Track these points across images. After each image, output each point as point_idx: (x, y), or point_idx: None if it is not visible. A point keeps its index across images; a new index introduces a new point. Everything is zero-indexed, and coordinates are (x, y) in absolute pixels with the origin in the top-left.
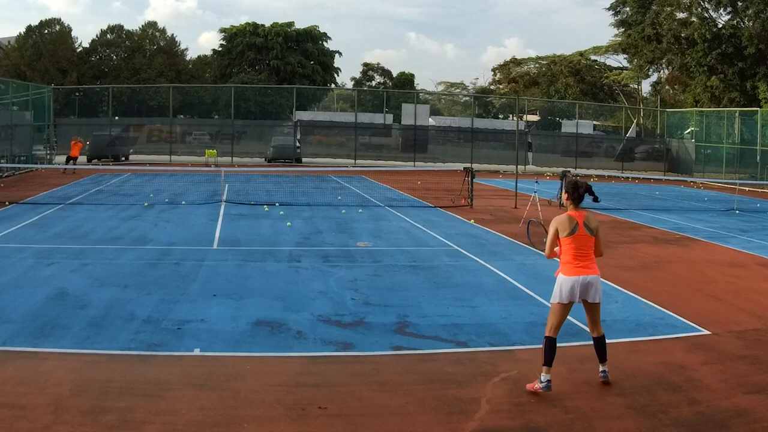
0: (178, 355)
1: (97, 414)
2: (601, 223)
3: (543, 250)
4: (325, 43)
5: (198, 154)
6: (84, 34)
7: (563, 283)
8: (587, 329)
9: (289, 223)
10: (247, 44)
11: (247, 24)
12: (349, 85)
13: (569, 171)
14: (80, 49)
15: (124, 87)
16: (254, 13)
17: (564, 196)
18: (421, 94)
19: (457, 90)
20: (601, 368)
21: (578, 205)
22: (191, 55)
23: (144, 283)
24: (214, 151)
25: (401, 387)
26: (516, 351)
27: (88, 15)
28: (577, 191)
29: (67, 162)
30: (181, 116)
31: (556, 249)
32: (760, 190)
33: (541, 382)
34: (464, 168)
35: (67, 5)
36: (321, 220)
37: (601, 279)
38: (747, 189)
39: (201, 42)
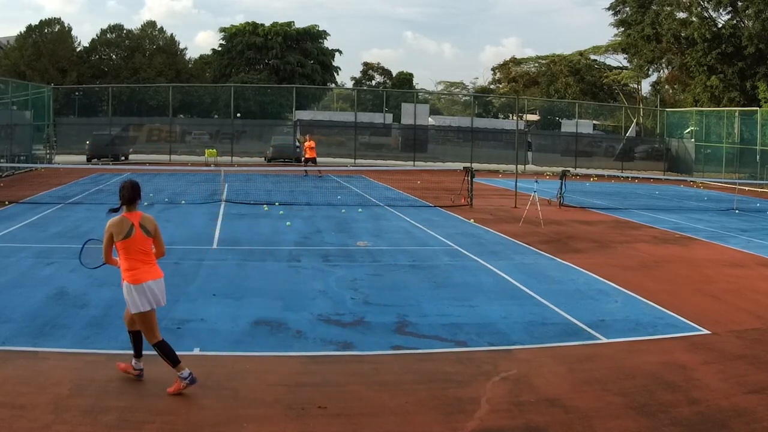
0: (178, 354)
1: (97, 413)
2: (600, 223)
3: (95, 265)
4: (324, 41)
5: (198, 153)
6: (80, 33)
7: (137, 291)
8: (588, 329)
9: (288, 223)
10: (247, 44)
11: (247, 23)
12: (349, 84)
13: (569, 170)
14: (80, 48)
15: (123, 86)
16: (251, 13)
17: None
18: (420, 93)
19: (457, 90)
20: (138, 364)
21: (132, 206)
22: (188, 54)
23: None
24: (214, 150)
25: (401, 386)
26: (515, 350)
27: (84, 14)
28: (131, 191)
29: (305, 164)
30: (181, 116)
31: (116, 257)
32: (759, 189)
33: (184, 378)
34: (464, 167)
35: (62, 4)
36: (321, 220)
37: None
38: (747, 189)
39: (198, 41)
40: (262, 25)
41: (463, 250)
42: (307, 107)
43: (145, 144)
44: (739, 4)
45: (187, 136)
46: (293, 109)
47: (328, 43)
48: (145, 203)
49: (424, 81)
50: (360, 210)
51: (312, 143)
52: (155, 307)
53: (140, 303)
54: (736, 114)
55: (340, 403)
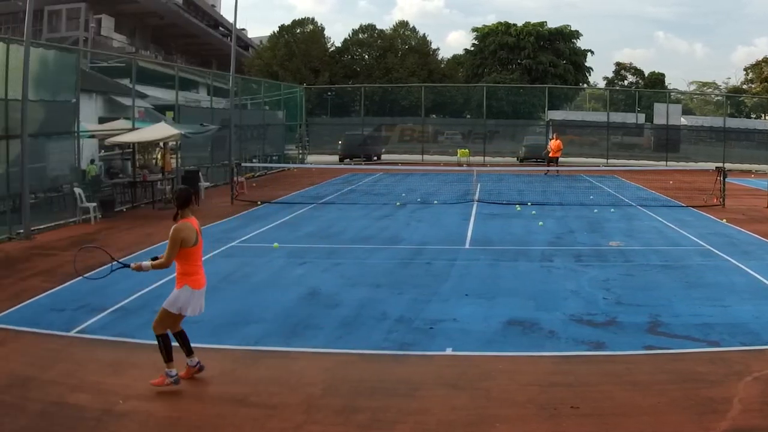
0: (430, 354)
1: (349, 413)
2: None
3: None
4: (576, 41)
5: (450, 153)
6: (330, 33)
7: (194, 295)
8: None
9: (541, 223)
10: (499, 43)
11: (499, 23)
12: (601, 84)
13: None
14: (332, 48)
15: (376, 87)
16: (502, 12)
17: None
18: (672, 93)
19: (709, 90)
20: (192, 361)
21: (186, 210)
22: (440, 54)
23: (396, 283)
24: (467, 150)
25: (653, 386)
26: None
27: (334, 14)
28: (187, 193)
29: (548, 163)
30: (433, 116)
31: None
32: None
33: (171, 376)
34: (716, 167)
35: (313, 4)
36: (573, 220)
37: None
38: None
39: (449, 41)
40: (515, 25)
41: (715, 250)
42: (560, 107)
43: (397, 144)
44: None
45: (439, 136)
46: (545, 109)
47: (580, 43)
48: (397, 203)
49: (676, 81)
50: (612, 210)
51: (558, 143)
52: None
53: (191, 307)
54: None
55: (592, 403)
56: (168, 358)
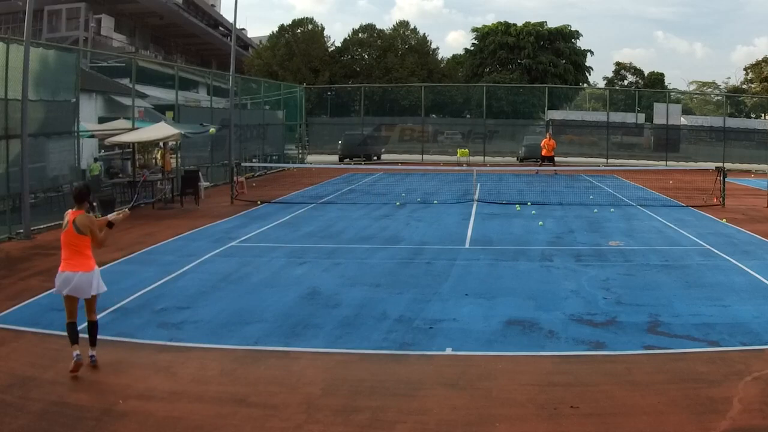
0: (430, 354)
1: (349, 413)
2: None
3: None
4: (576, 41)
5: (450, 153)
6: (330, 33)
7: (56, 278)
8: None
9: (540, 222)
10: (499, 43)
11: (499, 23)
12: (601, 84)
13: None
14: (332, 48)
15: (375, 86)
16: (501, 12)
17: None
18: (672, 93)
19: (709, 89)
20: (90, 352)
21: (79, 205)
22: (440, 54)
23: (396, 283)
24: (466, 150)
25: (653, 386)
26: None
27: (334, 14)
28: (76, 192)
29: (542, 162)
30: (433, 115)
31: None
32: None
33: (73, 356)
34: (716, 167)
35: (313, 4)
36: (573, 219)
37: None
38: None
39: (448, 41)
40: (515, 24)
41: (715, 250)
42: (560, 107)
43: (397, 144)
44: None
45: (439, 135)
46: (545, 108)
47: (580, 43)
48: (397, 203)
49: (675, 80)
50: (612, 210)
51: (552, 142)
52: (70, 294)
53: (57, 288)
54: None
55: (591, 403)
56: (72, 342)
